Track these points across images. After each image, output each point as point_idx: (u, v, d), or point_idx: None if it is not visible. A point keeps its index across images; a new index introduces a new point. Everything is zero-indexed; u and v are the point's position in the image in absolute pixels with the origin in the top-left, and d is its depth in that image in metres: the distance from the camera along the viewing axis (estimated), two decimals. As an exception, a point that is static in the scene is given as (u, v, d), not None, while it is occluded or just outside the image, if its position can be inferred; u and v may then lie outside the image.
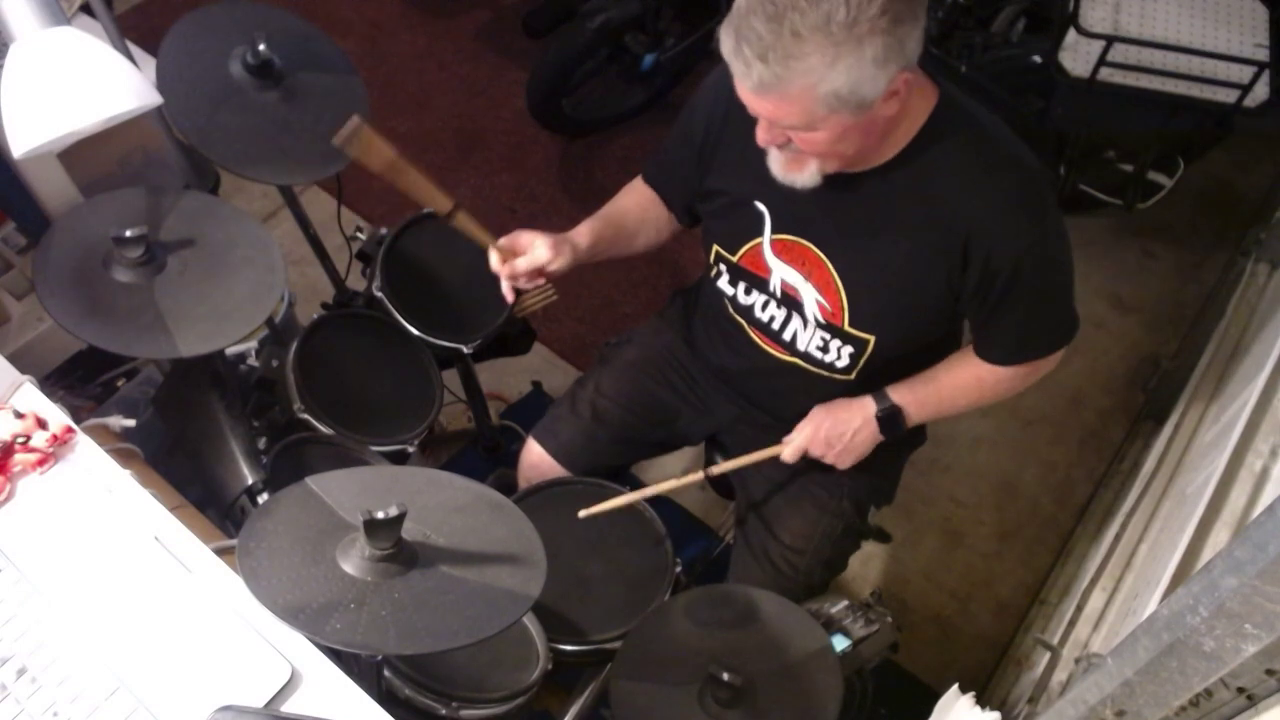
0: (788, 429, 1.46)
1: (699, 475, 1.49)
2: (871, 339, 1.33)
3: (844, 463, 1.45)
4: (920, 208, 1.23)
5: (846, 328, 1.33)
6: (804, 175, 1.19)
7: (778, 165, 1.21)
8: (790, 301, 1.36)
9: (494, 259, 1.36)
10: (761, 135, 1.16)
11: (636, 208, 1.50)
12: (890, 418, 1.40)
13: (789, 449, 1.44)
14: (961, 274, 1.24)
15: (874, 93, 1.06)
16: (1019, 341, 1.34)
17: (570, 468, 1.60)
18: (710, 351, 1.57)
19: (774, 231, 1.32)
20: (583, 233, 1.42)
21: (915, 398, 1.41)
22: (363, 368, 1.63)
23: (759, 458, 1.46)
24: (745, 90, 1.10)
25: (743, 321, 1.44)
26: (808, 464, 1.47)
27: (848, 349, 1.35)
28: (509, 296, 1.39)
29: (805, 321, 1.36)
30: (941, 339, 1.41)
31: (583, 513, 1.41)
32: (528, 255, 1.34)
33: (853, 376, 1.39)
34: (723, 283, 1.42)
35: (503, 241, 1.36)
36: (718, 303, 1.46)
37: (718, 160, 1.36)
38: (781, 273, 1.34)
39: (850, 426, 1.41)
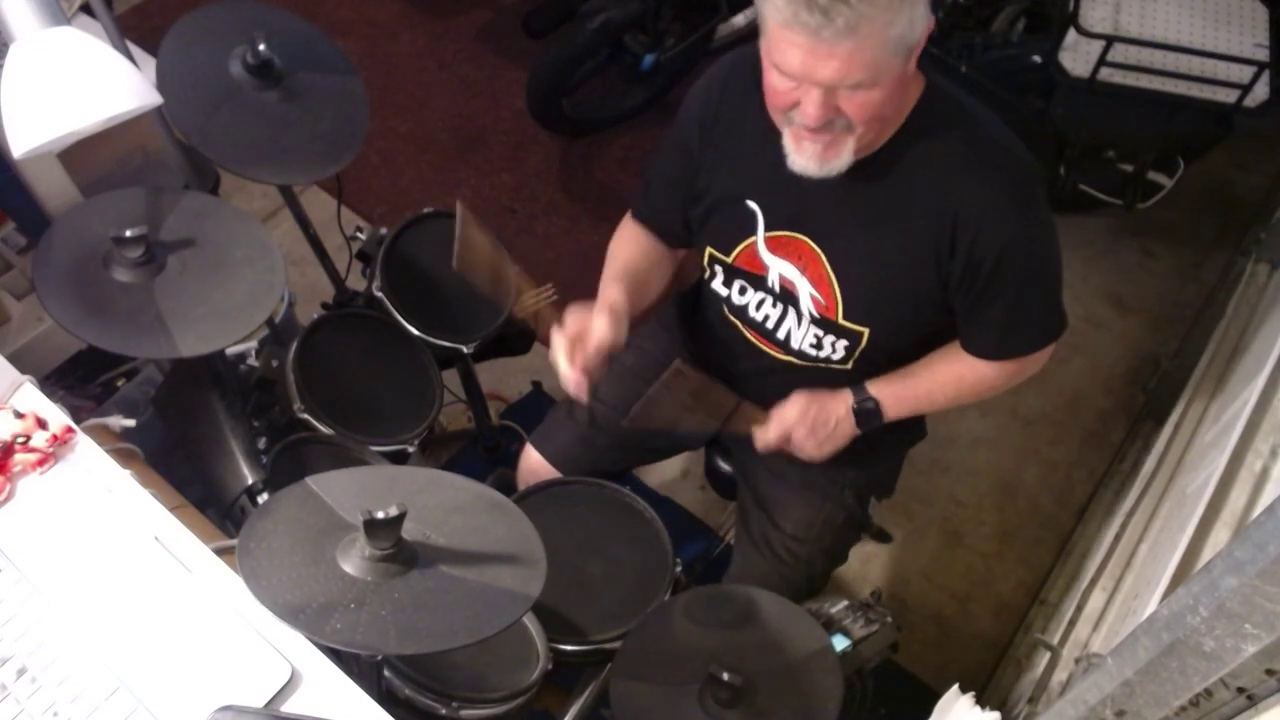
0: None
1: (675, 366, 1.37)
2: (865, 331, 1.32)
3: (822, 453, 1.41)
4: (910, 196, 1.23)
5: (840, 321, 1.33)
6: (840, 160, 1.16)
7: (809, 158, 1.17)
8: (787, 297, 1.36)
9: (563, 363, 1.29)
10: (814, 113, 1.10)
11: (639, 255, 1.47)
12: (867, 411, 1.40)
13: (770, 433, 1.39)
14: (949, 260, 1.24)
15: (919, 33, 1.07)
16: (1002, 334, 1.33)
17: (568, 474, 1.60)
18: (708, 353, 1.57)
19: (768, 229, 1.32)
20: (615, 294, 1.34)
21: (893, 392, 1.40)
22: (363, 368, 1.63)
23: (742, 424, 1.42)
24: (812, 48, 1.04)
25: (737, 322, 1.44)
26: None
27: (842, 343, 1.35)
28: (584, 395, 1.30)
29: (800, 318, 1.36)
30: (941, 332, 1.41)
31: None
32: (594, 340, 1.28)
33: (850, 366, 1.38)
34: (717, 284, 1.42)
35: (570, 333, 1.29)
36: (713, 305, 1.46)
37: (709, 161, 1.35)
38: (779, 268, 1.34)
39: (835, 415, 1.40)
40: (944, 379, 1.40)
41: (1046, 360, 1.39)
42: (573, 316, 1.32)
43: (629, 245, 1.48)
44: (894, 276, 1.28)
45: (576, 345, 1.29)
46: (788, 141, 1.19)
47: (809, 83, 1.09)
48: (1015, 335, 1.33)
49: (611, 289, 1.37)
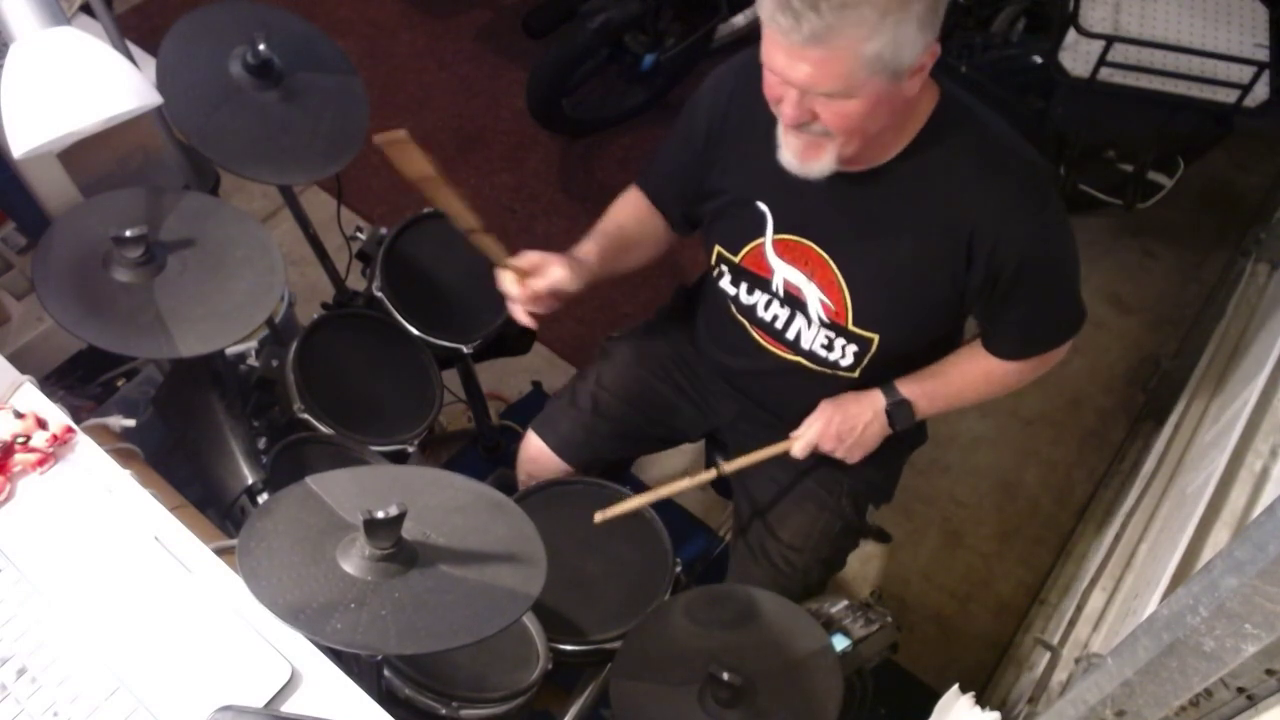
0: (789, 428, 1.46)
1: (710, 474, 1.47)
2: (875, 337, 1.33)
3: (853, 457, 1.44)
4: (923, 205, 1.23)
5: (850, 327, 1.33)
6: (820, 163, 1.17)
7: (792, 154, 1.18)
8: (794, 301, 1.36)
9: (508, 283, 1.31)
10: (789, 112, 1.12)
11: (634, 220, 1.49)
12: (899, 411, 1.40)
13: (800, 444, 1.43)
14: (966, 271, 1.24)
15: (910, 59, 1.06)
16: (1026, 335, 1.34)
17: (569, 461, 1.60)
18: (712, 350, 1.57)
19: (776, 232, 1.32)
20: (590, 250, 1.40)
21: (924, 391, 1.40)
22: (363, 368, 1.63)
23: (769, 454, 1.45)
24: (787, 50, 1.05)
25: (745, 321, 1.44)
26: (807, 462, 1.47)
27: (852, 347, 1.35)
28: (528, 321, 1.34)
29: (810, 321, 1.36)
30: (949, 336, 1.41)
31: (598, 517, 1.40)
32: (545, 277, 1.30)
33: (857, 374, 1.39)
34: (725, 283, 1.42)
35: (519, 262, 1.31)
36: (720, 302, 1.46)
37: (719, 159, 1.35)
38: (784, 273, 1.34)
39: (861, 420, 1.41)
40: (973, 376, 1.40)
41: (1067, 350, 1.39)
42: (529, 253, 1.32)
43: (625, 206, 1.50)
44: (905, 284, 1.28)
45: (526, 277, 1.31)
46: (778, 135, 1.20)
47: (785, 82, 1.10)
48: (1038, 335, 1.35)
49: (587, 243, 1.41)
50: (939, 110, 1.20)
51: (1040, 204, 1.22)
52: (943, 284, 1.26)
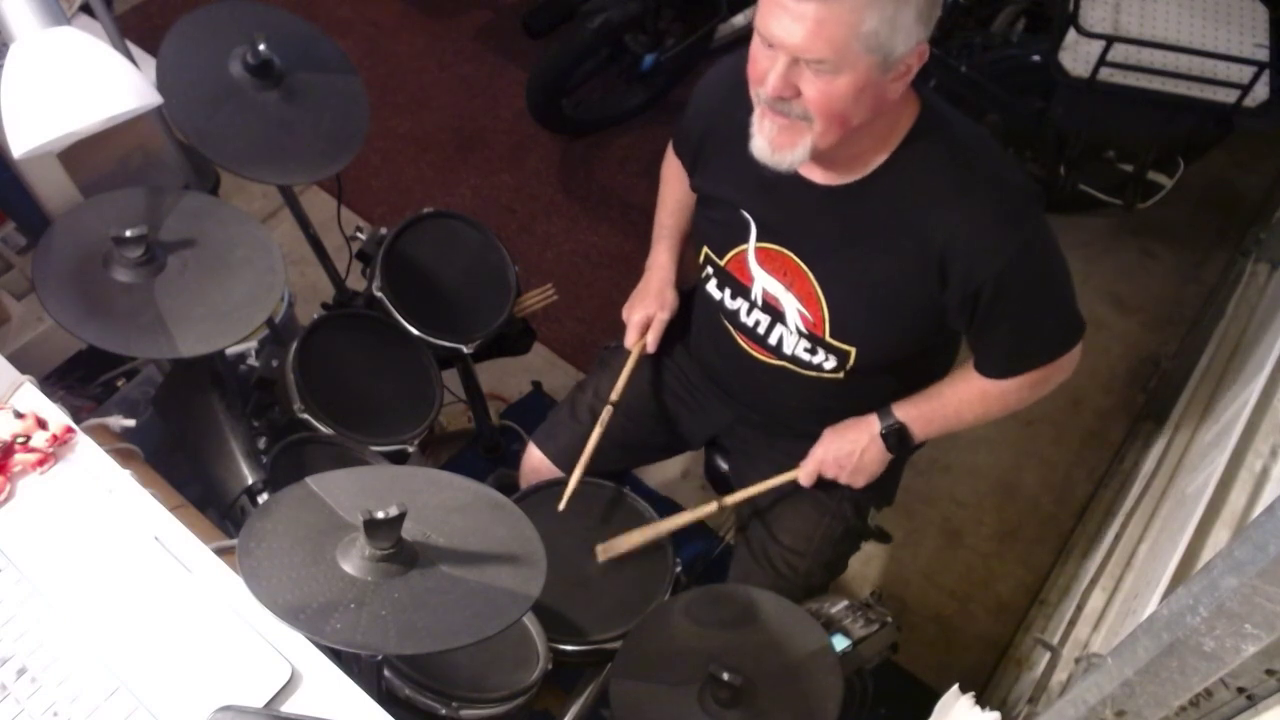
0: (785, 429, 1.46)
1: (711, 507, 1.49)
2: (853, 350, 1.32)
3: (858, 482, 1.45)
4: (898, 223, 1.22)
5: (827, 338, 1.33)
6: (793, 153, 1.14)
7: (765, 140, 1.15)
8: (772, 311, 1.36)
9: (634, 343, 1.58)
10: (774, 81, 1.09)
11: (686, 193, 1.51)
12: (896, 435, 1.40)
13: (804, 473, 1.45)
14: (942, 291, 1.23)
15: (903, 48, 1.06)
16: (1013, 354, 1.32)
17: (570, 473, 1.60)
18: (703, 354, 1.57)
19: (758, 240, 1.32)
20: (664, 261, 1.59)
21: (920, 414, 1.40)
22: (363, 368, 1.63)
23: (775, 484, 1.47)
24: (787, 6, 1.03)
25: (729, 326, 1.44)
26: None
27: (832, 356, 1.35)
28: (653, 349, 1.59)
29: (789, 329, 1.36)
30: (935, 348, 1.40)
31: (600, 553, 1.45)
32: (654, 329, 1.56)
33: (842, 376, 1.38)
34: (711, 286, 1.42)
35: (641, 343, 1.58)
36: (709, 308, 1.46)
37: (707, 163, 1.36)
38: (764, 282, 1.34)
39: (858, 446, 1.41)
40: (969, 396, 1.39)
41: (1077, 362, 1.36)
42: (637, 315, 1.57)
43: (677, 181, 1.54)
44: (881, 301, 1.27)
45: (642, 332, 1.57)
46: (754, 121, 1.17)
47: (777, 46, 1.07)
48: (1025, 354, 1.32)
49: (662, 252, 1.59)
50: (919, 123, 1.20)
51: (1016, 223, 1.20)
52: (918, 302, 1.25)
